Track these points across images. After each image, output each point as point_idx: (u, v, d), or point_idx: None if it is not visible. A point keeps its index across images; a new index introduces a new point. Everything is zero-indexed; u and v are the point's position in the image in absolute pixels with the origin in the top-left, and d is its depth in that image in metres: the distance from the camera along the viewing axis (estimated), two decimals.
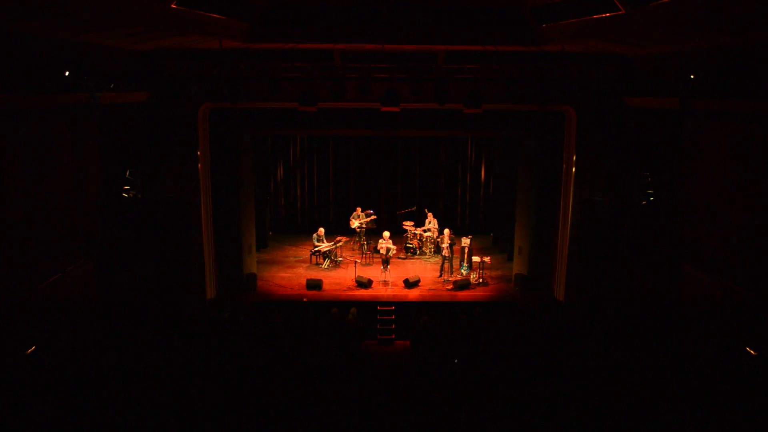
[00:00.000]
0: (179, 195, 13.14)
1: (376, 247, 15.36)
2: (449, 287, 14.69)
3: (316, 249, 16.16)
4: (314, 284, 14.49)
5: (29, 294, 8.75)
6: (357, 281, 14.77)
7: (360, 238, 16.99)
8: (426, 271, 15.83)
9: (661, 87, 11.31)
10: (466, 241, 15.41)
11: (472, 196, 19.56)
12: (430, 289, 14.61)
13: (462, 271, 15.40)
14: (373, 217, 17.15)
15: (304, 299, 13.88)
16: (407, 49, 12.22)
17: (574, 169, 13.54)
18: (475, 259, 15.04)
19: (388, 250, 14.92)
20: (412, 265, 16.44)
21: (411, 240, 17.18)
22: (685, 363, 10.38)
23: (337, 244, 16.30)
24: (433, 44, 11.80)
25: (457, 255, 15.72)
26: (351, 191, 19.39)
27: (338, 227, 18.10)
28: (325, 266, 16.09)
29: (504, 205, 17.12)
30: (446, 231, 15.51)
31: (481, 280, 15.03)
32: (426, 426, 8.31)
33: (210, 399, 8.71)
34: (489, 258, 15.22)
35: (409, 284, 14.64)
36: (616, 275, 12.80)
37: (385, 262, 14.92)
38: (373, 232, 17.01)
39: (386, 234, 15.33)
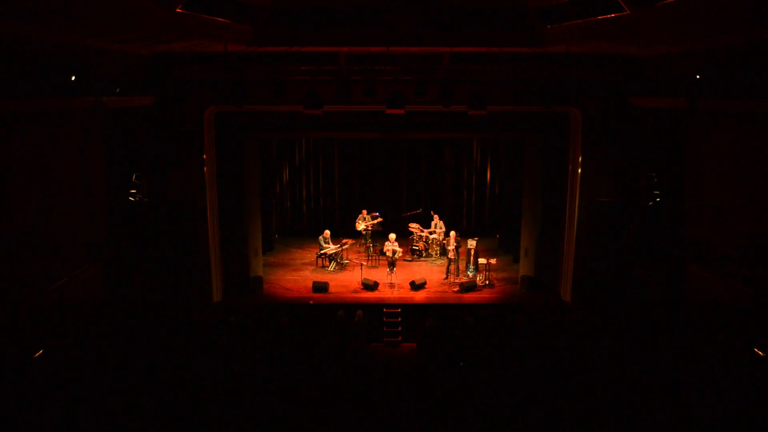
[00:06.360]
0: (185, 198, 13.19)
1: (382, 249, 15.35)
2: (455, 289, 14.66)
3: (322, 251, 16.17)
4: (320, 287, 14.49)
5: (36, 298, 8.79)
6: (363, 284, 14.77)
7: (366, 240, 16.99)
8: (432, 273, 15.80)
9: (667, 87, 11.25)
10: (472, 243, 15.40)
11: (478, 198, 19.54)
12: (436, 291, 14.58)
13: (468, 273, 15.38)
14: (378, 219, 17.15)
15: (311, 302, 13.89)
16: (412, 51, 12.22)
17: (579, 170, 13.50)
18: (481, 260, 15.01)
19: (394, 252, 14.90)
20: (418, 267, 16.42)
21: (417, 242, 17.15)
22: (692, 364, 10.32)
23: (343, 247, 16.30)
24: (438, 46, 11.80)
25: (463, 257, 15.69)
26: (356, 193, 19.39)
27: (344, 230, 18.11)
28: (331, 269, 16.09)
29: (510, 207, 17.09)
30: (452, 233, 15.48)
31: (487, 282, 14.99)
32: (432, 428, 8.30)
33: (217, 402, 8.72)
34: (495, 260, 15.19)
35: (416, 286, 14.63)
36: (622, 276, 12.75)
37: (391, 264, 14.90)
38: (379, 235, 17.01)
39: (392, 236, 15.30)
